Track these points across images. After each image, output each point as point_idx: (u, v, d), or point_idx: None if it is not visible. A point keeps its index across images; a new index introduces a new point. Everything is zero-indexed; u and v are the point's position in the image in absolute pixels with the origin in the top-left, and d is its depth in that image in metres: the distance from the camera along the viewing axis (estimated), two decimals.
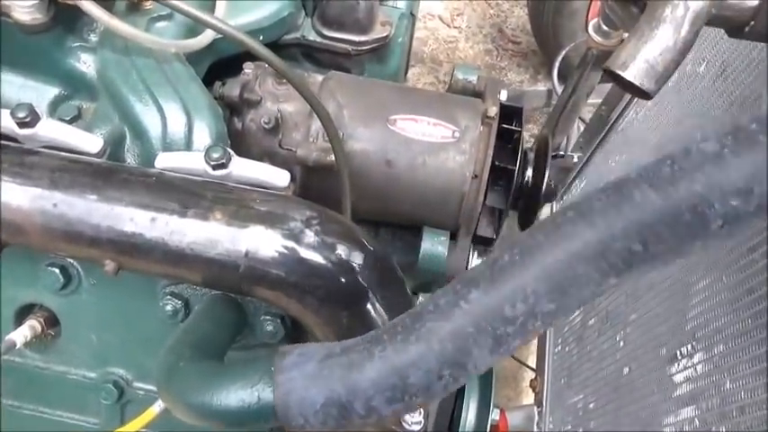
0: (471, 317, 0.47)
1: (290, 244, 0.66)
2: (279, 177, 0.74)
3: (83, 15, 0.77)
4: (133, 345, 0.84)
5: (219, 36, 0.80)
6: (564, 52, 2.10)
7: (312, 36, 1.05)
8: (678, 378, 0.96)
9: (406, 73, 1.30)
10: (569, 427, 1.33)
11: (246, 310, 0.77)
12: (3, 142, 0.70)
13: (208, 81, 0.95)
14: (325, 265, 0.66)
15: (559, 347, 1.54)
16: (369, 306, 0.68)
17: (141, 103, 0.78)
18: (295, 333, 0.79)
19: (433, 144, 0.90)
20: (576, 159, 1.82)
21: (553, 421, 1.43)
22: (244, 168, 0.73)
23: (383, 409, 0.50)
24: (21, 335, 0.79)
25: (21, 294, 0.83)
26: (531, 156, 0.97)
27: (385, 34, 1.06)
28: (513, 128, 0.93)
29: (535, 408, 1.53)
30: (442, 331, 0.47)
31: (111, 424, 0.88)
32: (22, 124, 0.71)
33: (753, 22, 0.62)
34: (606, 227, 0.43)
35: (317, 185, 0.91)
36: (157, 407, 0.71)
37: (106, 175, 0.69)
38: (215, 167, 0.72)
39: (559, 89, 2.02)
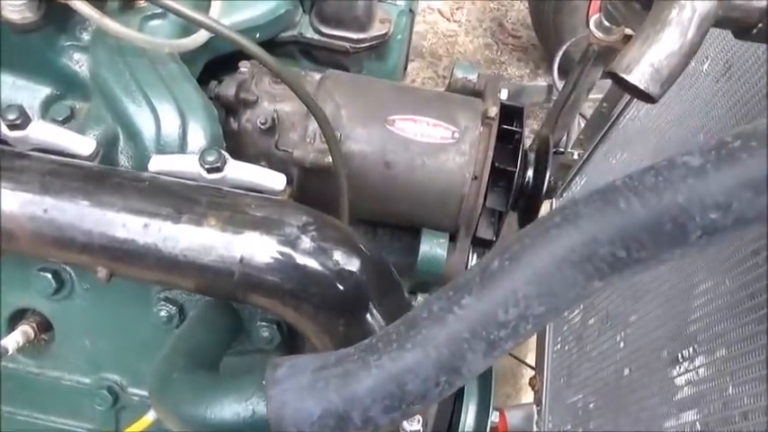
0: (466, 322, 0.47)
1: (286, 250, 0.64)
2: (275, 181, 0.73)
3: (75, 14, 0.75)
4: (127, 350, 0.83)
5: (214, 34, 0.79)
6: (564, 47, 2.09)
7: (310, 33, 1.04)
8: (679, 381, 0.95)
9: (405, 69, 1.28)
10: (569, 426, 1.32)
11: (242, 315, 0.76)
12: None
13: (204, 78, 0.93)
14: (321, 272, 0.65)
15: (559, 346, 1.53)
16: (366, 313, 0.67)
17: (134, 104, 0.77)
18: (291, 339, 0.78)
19: (432, 145, 0.88)
20: (576, 156, 1.80)
21: (552, 420, 1.43)
22: (239, 172, 0.72)
23: (380, 419, 0.49)
24: (13, 341, 0.78)
25: (12, 299, 0.81)
26: (532, 156, 0.95)
27: (384, 32, 1.04)
28: (514, 128, 0.92)
29: (534, 407, 1.53)
30: (437, 338, 0.48)
31: (105, 430, 0.87)
32: (12, 126, 0.70)
33: (761, 24, 0.60)
34: (592, 232, 0.45)
35: (315, 187, 0.89)
36: (152, 415, 0.70)
37: (98, 179, 0.67)
38: (210, 171, 0.70)
39: (560, 85, 2.00)
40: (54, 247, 0.65)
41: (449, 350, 0.47)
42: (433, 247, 0.92)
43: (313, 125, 0.87)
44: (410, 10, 1.14)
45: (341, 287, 0.65)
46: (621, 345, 1.19)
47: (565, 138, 1.95)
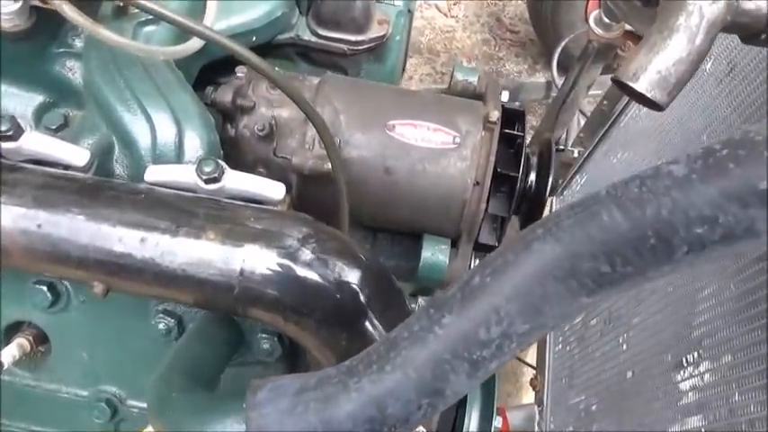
0: (446, 342, 0.46)
1: (287, 263, 0.63)
2: (274, 190, 0.72)
3: (67, 20, 0.73)
4: (126, 362, 0.81)
5: None
6: (563, 44, 2.07)
7: (307, 36, 1.02)
8: (684, 386, 0.94)
9: (403, 69, 1.26)
10: (571, 428, 1.32)
11: (242, 327, 0.75)
12: None
13: (200, 81, 0.92)
14: (322, 285, 0.64)
15: (560, 346, 1.53)
16: (368, 324, 0.66)
17: (129, 113, 0.75)
18: (293, 350, 0.77)
19: (432, 150, 0.87)
20: (576, 154, 1.79)
21: (554, 421, 1.42)
22: (237, 182, 0.70)
23: None
24: (8, 354, 0.76)
25: (8, 312, 0.80)
26: (534, 160, 0.94)
27: (382, 33, 1.03)
28: (516, 133, 0.90)
29: (536, 407, 1.52)
30: (417, 359, 0.46)
31: None
32: (4, 138, 0.68)
33: None
34: (574, 246, 0.43)
35: (314, 193, 0.88)
36: (151, 429, 0.69)
37: (93, 192, 0.66)
38: (207, 181, 0.69)
39: (559, 81, 1.99)
40: (48, 262, 0.64)
41: (430, 372, 0.46)
42: (434, 254, 0.91)
43: (312, 131, 0.85)
44: (408, 10, 1.12)
45: (343, 300, 0.64)
46: (624, 347, 1.18)
47: (564, 135, 1.94)
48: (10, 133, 0.68)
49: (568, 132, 1.94)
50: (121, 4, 0.78)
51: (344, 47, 1.03)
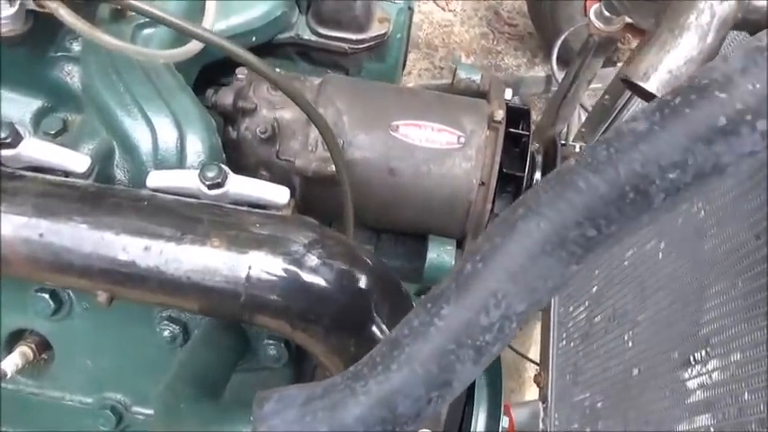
0: (449, 333, 0.46)
1: (293, 269, 0.62)
2: (278, 195, 0.71)
3: (64, 24, 0.72)
4: (130, 369, 0.80)
5: None
6: (562, 38, 2.06)
7: (307, 35, 1.01)
8: (692, 384, 0.94)
9: (404, 65, 1.25)
10: (576, 425, 1.31)
11: (248, 334, 0.74)
12: None
13: (200, 82, 0.90)
14: (329, 291, 0.63)
15: (564, 342, 1.52)
16: (375, 329, 0.65)
17: (130, 118, 0.74)
18: (299, 356, 0.76)
19: (437, 151, 0.86)
20: (578, 149, 1.78)
21: (559, 418, 1.42)
22: (241, 186, 0.69)
23: None
24: (11, 363, 0.75)
25: (10, 320, 0.79)
26: (539, 159, 0.93)
27: (383, 31, 1.02)
28: (521, 132, 0.89)
29: (540, 404, 1.52)
30: (422, 354, 0.46)
31: None
32: (3, 145, 0.67)
33: None
34: (558, 218, 0.44)
35: (318, 195, 0.87)
36: None
37: (95, 199, 0.64)
38: (211, 187, 0.68)
39: (558, 75, 1.98)
40: (51, 271, 0.63)
41: (436, 364, 0.46)
42: (440, 255, 0.90)
43: (314, 133, 0.84)
44: (409, 7, 1.11)
45: (350, 306, 0.63)
46: (630, 344, 1.17)
47: (565, 129, 1.93)
48: (9, 140, 0.67)
49: (569, 127, 1.93)
50: (119, 7, 0.77)
51: (345, 46, 1.01)
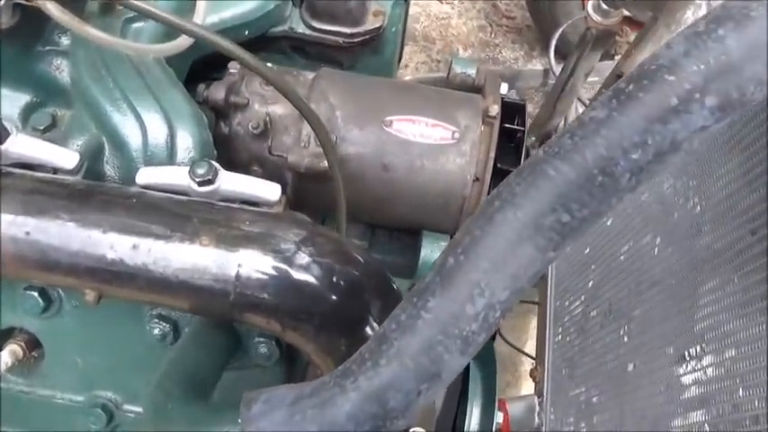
0: (436, 325, 0.47)
1: (283, 267, 0.62)
2: (269, 191, 0.70)
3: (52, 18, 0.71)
4: (121, 367, 0.80)
5: None
6: (560, 31, 2.04)
7: (301, 29, 0.99)
8: (686, 380, 0.93)
9: (400, 59, 1.24)
10: (571, 419, 1.31)
11: (239, 332, 0.73)
12: None
13: (193, 77, 0.89)
14: (320, 289, 0.62)
15: (560, 337, 1.52)
16: (367, 329, 0.64)
17: (119, 113, 0.73)
18: (291, 354, 0.75)
19: (431, 146, 0.85)
20: None
21: (555, 413, 1.42)
22: (232, 183, 0.69)
23: None
24: (1, 362, 0.75)
25: None
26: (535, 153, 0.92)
27: (378, 25, 1.00)
28: (516, 127, 0.88)
29: (536, 398, 1.52)
30: (411, 347, 0.47)
31: None
32: None
33: None
34: (533, 207, 0.46)
35: (311, 191, 0.86)
36: None
37: (83, 197, 0.64)
38: (201, 184, 0.67)
39: (556, 68, 1.96)
40: (38, 270, 0.62)
41: (425, 356, 0.47)
42: (434, 251, 0.90)
43: (307, 128, 0.83)
44: (404, 0, 1.09)
45: (341, 304, 0.63)
46: (625, 339, 1.17)
47: (562, 123, 1.92)
48: None
49: (566, 121, 1.92)
50: (108, 1, 0.75)
51: (340, 39, 1.00)
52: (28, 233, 0.61)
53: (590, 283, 1.35)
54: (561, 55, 1.93)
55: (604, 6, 1.51)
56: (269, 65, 0.86)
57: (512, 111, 0.90)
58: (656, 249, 1.11)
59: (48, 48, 0.78)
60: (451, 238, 0.93)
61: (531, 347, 1.71)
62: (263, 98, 0.87)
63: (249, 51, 0.70)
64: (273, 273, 0.61)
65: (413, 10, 2.60)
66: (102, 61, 0.74)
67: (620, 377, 1.15)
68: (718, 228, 0.92)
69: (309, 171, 0.83)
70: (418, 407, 0.49)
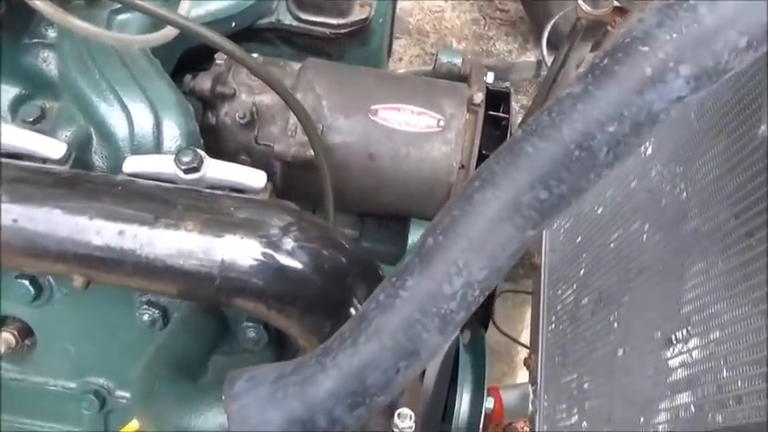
0: (414, 303, 0.48)
1: (268, 252, 0.63)
2: (255, 179, 0.71)
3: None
4: (112, 353, 0.81)
5: None
6: (552, 22, 2.05)
7: (288, 20, 1.00)
8: (673, 363, 0.94)
9: (389, 51, 1.25)
10: (564, 406, 1.32)
11: (228, 317, 0.74)
12: None
13: (180, 68, 0.90)
14: (305, 274, 0.63)
15: (553, 326, 1.53)
16: (352, 311, 0.65)
17: (106, 104, 0.74)
18: (279, 339, 0.77)
19: (416, 134, 0.86)
20: None
21: (548, 399, 1.43)
22: (217, 171, 0.70)
23: (346, 418, 0.49)
24: None
25: None
26: None
27: (364, 16, 1.01)
28: (501, 114, 0.89)
29: (530, 386, 1.53)
30: (389, 325, 0.48)
31: None
32: None
33: None
34: (512, 185, 0.47)
35: (299, 180, 0.87)
36: (137, 422, 0.68)
37: (69, 185, 0.65)
38: (187, 171, 0.68)
39: (549, 59, 1.97)
40: (26, 257, 0.63)
41: (403, 334, 0.48)
42: None
43: (294, 117, 0.84)
44: None
45: (326, 288, 0.64)
46: (615, 325, 1.18)
47: None
48: None
49: None
50: None
51: (326, 31, 1.01)
52: (15, 220, 0.62)
53: (581, 272, 1.36)
54: (554, 47, 1.93)
55: None
56: (255, 55, 0.87)
57: (497, 99, 0.91)
58: (645, 236, 1.12)
59: (34, 40, 0.79)
60: None
61: (525, 338, 1.72)
62: (249, 88, 0.87)
63: (236, 43, 0.71)
64: (259, 257, 0.62)
65: (406, 3, 2.61)
66: (89, 53, 0.75)
67: (610, 363, 1.16)
68: (704, 212, 0.93)
69: (296, 160, 0.84)
70: (398, 385, 0.49)
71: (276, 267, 0.62)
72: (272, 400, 0.49)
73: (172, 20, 0.69)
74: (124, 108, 0.73)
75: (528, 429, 1.57)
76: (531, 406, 1.51)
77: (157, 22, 0.78)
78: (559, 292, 1.50)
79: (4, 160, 0.67)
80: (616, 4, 1.53)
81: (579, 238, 1.35)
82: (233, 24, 0.93)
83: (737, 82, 0.91)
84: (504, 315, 1.93)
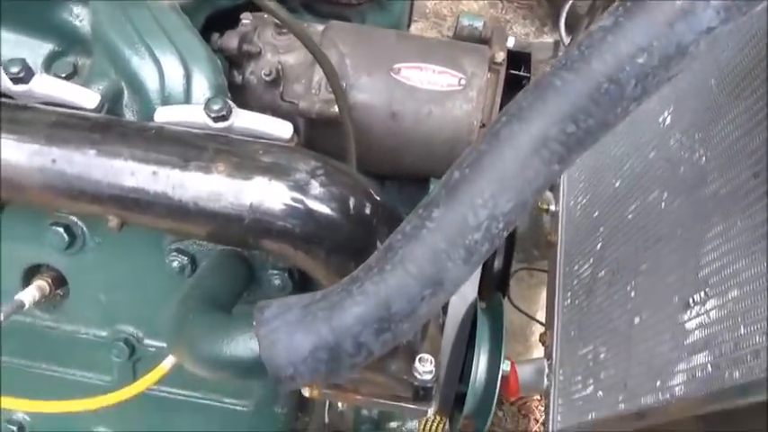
0: (440, 234, 0.49)
1: (296, 195, 0.64)
2: (282, 129, 0.72)
3: None
4: (142, 302, 0.83)
5: None
6: (570, 2, 2.04)
7: None
8: (690, 325, 0.95)
9: (408, 26, 1.26)
10: (579, 377, 1.33)
11: (253, 264, 0.76)
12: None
13: (205, 36, 0.92)
14: (332, 216, 0.65)
15: (569, 301, 1.53)
16: None
17: (137, 57, 0.76)
18: (303, 286, 0.78)
19: (438, 93, 0.87)
20: None
21: (563, 373, 1.43)
22: (245, 120, 0.71)
23: (372, 344, 0.51)
24: (29, 295, 0.79)
25: (27, 255, 0.82)
26: None
27: None
28: (522, 74, 0.90)
29: (545, 360, 1.54)
30: (414, 254, 0.49)
31: (123, 381, 0.88)
32: (16, 80, 0.69)
33: None
34: (539, 119, 0.47)
35: (322, 137, 0.89)
36: (168, 363, 0.71)
37: (104, 129, 0.67)
38: (216, 120, 0.70)
39: (567, 40, 1.97)
40: (64, 197, 0.65)
41: (428, 263, 0.49)
42: None
43: (318, 75, 0.86)
44: None
45: (351, 230, 0.65)
46: (632, 294, 1.18)
47: None
48: (21, 75, 0.69)
49: None
50: None
51: None
52: (54, 161, 0.64)
53: (598, 246, 1.36)
54: (571, 28, 1.93)
55: None
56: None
57: (517, 59, 0.92)
58: (663, 204, 1.12)
59: None
60: None
61: (541, 317, 1.73)
62: (275, 47, 0.89)
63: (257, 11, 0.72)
64: (287, 200, 0.64)
65: None
66: (121, 8, 0.77)
67: (627, 331, 1.16)
68: (724, 174, 0.93)
69: (320, 117, 0.86)
70: (423, 313, 0.50)
71: (303, 209, 0.64)
72: (300, 324, 0.51)
73: None
74: (155, 60, 0.75)
75: (543, 405, 1.58)
76: (545, 380, 1.52)
77: None
78: (576, 267, 1.50)
79: (41, 106, 0.69)
80: None
81: (596, 213, 1.35)
82: None
83: (761, 40, 0.91)
84: (520, 294, 1.93)
